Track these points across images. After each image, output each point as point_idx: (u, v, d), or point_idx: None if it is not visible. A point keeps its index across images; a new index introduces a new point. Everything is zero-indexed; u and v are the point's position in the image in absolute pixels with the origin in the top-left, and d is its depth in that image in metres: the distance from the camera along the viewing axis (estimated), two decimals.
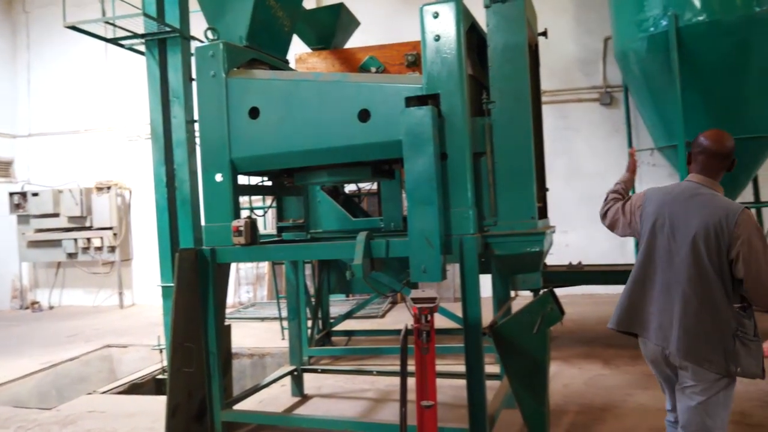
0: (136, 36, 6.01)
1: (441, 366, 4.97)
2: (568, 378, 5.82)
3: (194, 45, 5.08)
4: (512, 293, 5.00)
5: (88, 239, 12.06)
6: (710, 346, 2.67)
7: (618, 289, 10.33)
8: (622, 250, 10.56)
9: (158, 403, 5.57)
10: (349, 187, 6.83)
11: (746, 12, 7.60)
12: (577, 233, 10.68)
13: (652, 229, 2.88)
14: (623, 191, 3.33)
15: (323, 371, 6.08)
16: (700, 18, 7.77)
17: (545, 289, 3.99)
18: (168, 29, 5.84)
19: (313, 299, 7.12)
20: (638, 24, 8.40)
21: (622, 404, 5.03)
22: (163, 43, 5.96)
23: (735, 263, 2.65)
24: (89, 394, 6.39)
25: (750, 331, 2.70)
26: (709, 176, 2.85)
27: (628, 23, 8.68)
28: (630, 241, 10.44)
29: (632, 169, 3.56)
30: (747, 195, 9.13)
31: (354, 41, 6.14)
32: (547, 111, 9.74)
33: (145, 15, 5.68)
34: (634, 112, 10.11)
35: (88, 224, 12.12)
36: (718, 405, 2.73)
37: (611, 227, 3.23)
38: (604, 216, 3.27)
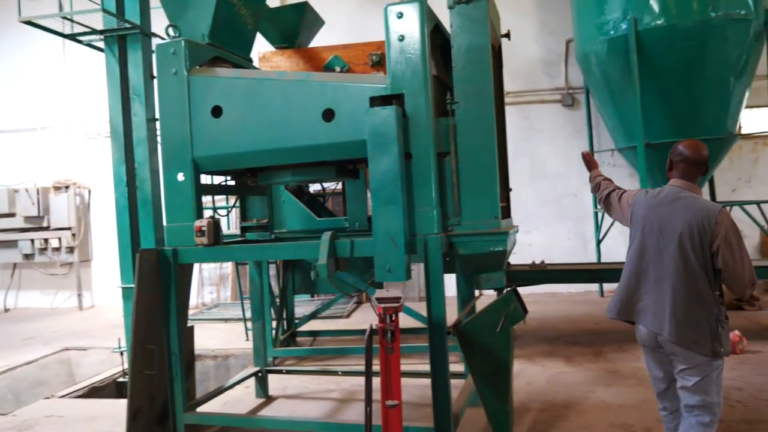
0: (94, 32, 5.89)
1: (406, 365, 4.98)
2: (531, 376, 5.90)
3: (155, 42, 5.00)
4: (476, 292, 5.04)
5: (46, 240, 11.78)
6: (697, 331, 3.01)
7: (580, 288, 10.55)
8: (584, 250, 10.75)
9: (119, 407, 5.46)
10: (314, 187, 6.81)
11: (703, 17, 7.82)
12: (540, 233, 10.83)
13: (643, 230, 3.23)
14: (609, 180, 3.81)
15: (288, 372, 6.04)
16: (659, 22, 7.96)
17: (509, 288, 4.04)
18: (128, 26, 5.72)
19: (277, 300, 7.08)
20: (599, 27, 8.57)
21: (584, 401, 5.12)
22: (123, 39, 5.85)
23: (715, 256, 3.00)
24: (47, 398, 6.24)
25: (724, 315, 3.08)
26: (689, 180, 3.20)
27: (589, 26, 8.84)
28: (592, 241, 10.65)
29: (594, 164, 3.96)
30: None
31: (318, 40, 6.12)
32: (510, 112, 9.84)
33: (104, 11, 5.56)
34: (595, 113, 10.31)
35: (45, 224, 11.83)
36: (711, 382, 3.06)
37: (607, 210, 3.67)
38: (606, 198, 3.66)
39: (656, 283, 3.14)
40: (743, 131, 9.82)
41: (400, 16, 3.72)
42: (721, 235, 2.96)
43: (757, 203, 8.91)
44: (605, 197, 3.68)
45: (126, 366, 6.52)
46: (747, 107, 9.09)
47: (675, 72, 8.12)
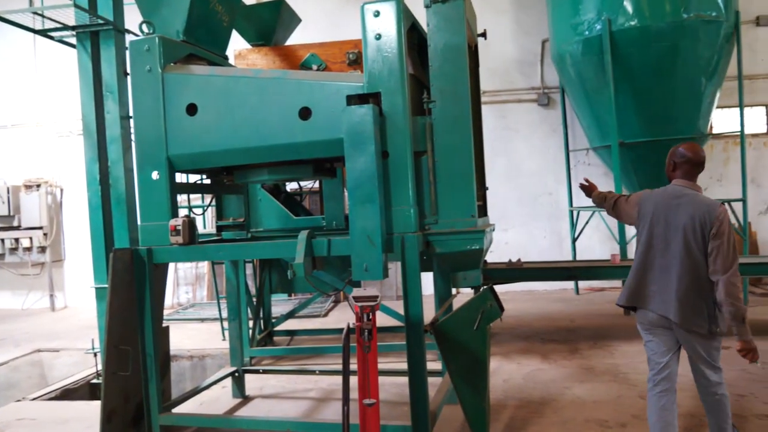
0: (66, 28, 5.78)
1: (383, 364, 5.00)
2: (507, 373, 5.94)
3: (129, 39, 4.92)
4: (453, 290, 5.06)
5: (16, 239, 11.58)
6: (697, 314, 3.39)
7: (555, 286, 10.67)
8: (560, 248, 10.86)
9: (93, 409, 5.40)
10: (291, 186, 6.78)
11: (675, 18, 7.94)
12: (516, 231, 10.92)
13: (650, 224, 3.56)
14: (610, 191, 4.17)
15: (265, 372, 6.01)
16: (632, 23, 8.06)
17: (485, 287, 4.07)
18: (100, 21, 5.63)
19: (254, 299, 7.04)
20: (574, 27, 8.66)
21: (560, 397, 5.18)
22: (95, 35, 5.75)
23: (713, 251, 3.36)
24: (18, 401, 6.12)
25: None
26: (691, 180, 3.56)
27: (564, 26, 8.93)
28: (567, 239, 10.76)
29: (593, 186, 4.23)
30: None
31: (295, 38, 6.09)
32: (486, 111, 9.94)
33: (76, 6, 5.45)
34: (571, 113, 10.41)
35: (15, 224, 11.63)
36: (712, 347, 3.46)
37: (617, 215, 3.96)
38: (614, 206, 3.93)
39: (662, 271, 3.49)
40: (714, 131, 10.02)
41: (376, 14, 3.72)
42: (716, 225, 3.33)
43: (728, 201, 9.08)
44: (613, 205, 3.93)
45: (100, 367, 6.43)
46: (718, 107, 9.27)
47: (648, 72, 8.24)
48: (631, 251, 8.30)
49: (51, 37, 6.02)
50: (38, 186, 11.70)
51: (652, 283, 3.55)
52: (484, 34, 4.53)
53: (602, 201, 4.06)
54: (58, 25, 5.76)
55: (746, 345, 3.39)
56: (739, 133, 8.94)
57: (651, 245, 3.55)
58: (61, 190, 12.04)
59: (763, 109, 10.66)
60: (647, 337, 3.64)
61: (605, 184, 10.61)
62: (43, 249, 11.68)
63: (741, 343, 3.40)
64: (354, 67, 5.09)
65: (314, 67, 5.19)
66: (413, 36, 4.15)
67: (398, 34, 3.70)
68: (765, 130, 10.68)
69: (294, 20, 6.05)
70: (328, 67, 5.22)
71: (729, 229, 3.37)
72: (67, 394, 6.60)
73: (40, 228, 11.60)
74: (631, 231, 8.14)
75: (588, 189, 4.22)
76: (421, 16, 3.95)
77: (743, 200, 8.86)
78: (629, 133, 8.49)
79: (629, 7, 8.07)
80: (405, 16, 3.79)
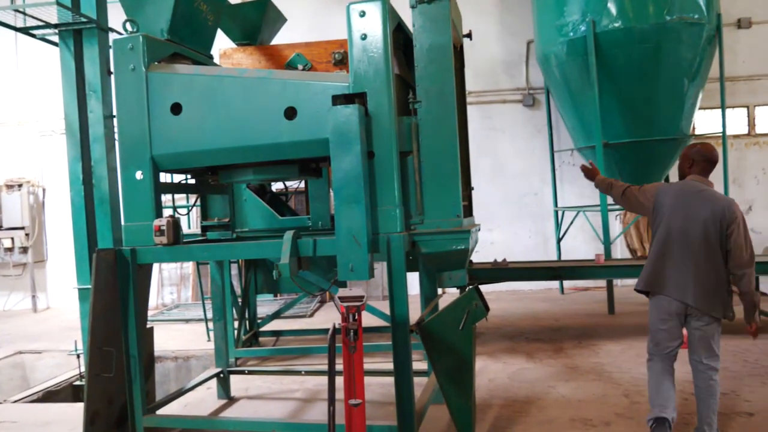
0: (49, 26, 5.71)
1: (369, 364, 4.99)
2: (493, 373, 5.97)
3: (112, 37, 4.87)
4: (439, 290, 5.07)
5: None
6: (715, 299, 3.76)
7: (541, 285, 10.72)
8: (545, 248, 10.93)
9: (76, 411, 5.34)
10: (276, 186, 6.76)
11: (658, 20, 8.02)
12: (501, 231, 10.96)
13: (670, 215, 3.84)
14: (616, 180, 4.36)
15: (250, 372, 5.98)
16: (616, 24, 8.13)
17: (471, 286, 4.08)
18: (84, 20, 5.57)
19: (239, 299, 7.01)
20: (558, 29, 8.71)
21: (545, 396, 5.20)
22: (78, 34, 5.69)
23: (729, 237, 3.72)
24: (0, 403, 6.06)
25: (730, 287, 3.83)
26: (705, 176, 3.95)
27: (549, 28, 8.98)
28: (552, 239, 10.83)
29: (596, 170, 4.42)
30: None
31: (280, 38, 6.07)
32: (472, 111, 9.95)
33: (59, 4, 5.39)
34: (556, 113, 10.47)
35: None
36: (716, 333, 3.84)
37: (627, 204, 4.17)
38: (623, 194, 4.15)
39: (681, 258, 3.79)
40: (697, 132, 10.13)
41: (362, 14, 3.72)
42: (735, 221, 3.70)
43: None
44: (622, 193, 4.14)
45: (83, 369, 6.36)
46: (700, 109, 9.37)
47: (632, 74, 8.31)
48: (615, 251, 8.38)
49: (33, 35, 5.95)
50: (20, 186, 11.56)
51: (670, 270, 3.82)
52: (469, 35, 4.54)
53: (608, 188, 4.24)
54: (41, 23, 5.69)
55: (757, 326, 3.90)
56: (721, 134, 9.05)
57: (670, 234, 3.83)
58: (44, 190, 11.91)
59: (744, 110, 10.80)
60: (662, 326, 3.91)
61: (589, 184, 10.67)
62: (25, 249, 11.54)
63: (755, 325, 3.89)
64: (340, 67, 5.08)
65: (300, 66, 5.17)
66: (399, 36, 4.16)
67: (384, 34, 3.70)
68: (746, 132, 10.83)
69: (279, 20, 6.03)
70: (313, 66, 5.21)
71: (745, 225, 3.76)
72: (50, 396, 6.53)
73: (22, 228, 11.46)
74: (615, 231, 8.21)
75: (591, 173, 4.37)
76: (407, 16, 3.95)
77: None
78: (613, 134, 8.56)
79: (613, 9, 8.13)
80: (391, 16, 3.78)
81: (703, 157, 3.93)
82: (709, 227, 3.72)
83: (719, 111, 9.11)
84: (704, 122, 10.68)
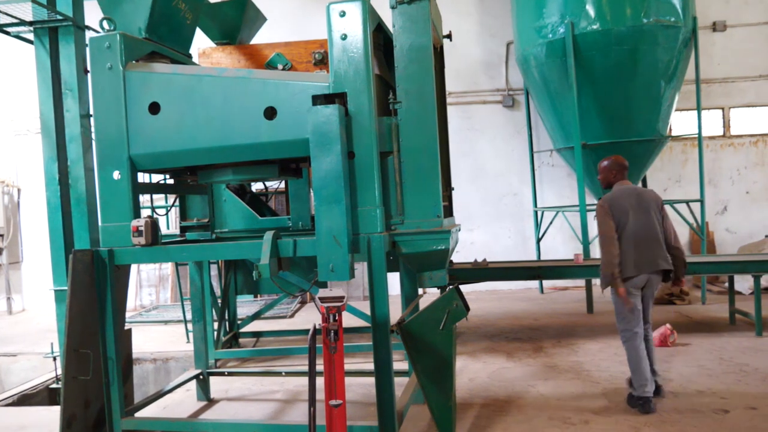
0: (23, 23, 5.62)
1: (350, 365, 4.99)
2: (473, 372, 5.99)
3: (89, 35, 4.81)
4: (419, 290, 5.09)
5: None
6: (668, 264, 4.75)
7: (520, 285, 10.78)
8: (524, 248, 11.00)
9: (52, 414, 5.27)
10: (256, 186, 6.72)
11: (635, 23, 8.12)
12: (481, 231, 11.02)
13: (627, 215, 4.70)
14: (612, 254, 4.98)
15: (230, 374, 5.95)
16: (594, 27, 8.22)
17: (451, 286, 4.09)
18: (59, 17, 5.50)
19: (219, 300, 6.96)
20: (538, 30, 8.78)
21: (525, 395, 5.24)
22: (54, 32, 5.61)
23: (664, 219, 4.83)
24: None
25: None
26: (626, 179, 4.96)
27: (528, 29, 9.05)
28: (531, 239, 10.91)
29: (625, 299, 4.85)
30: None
31: (260, 37, 6.03)
32: (452, 112, 9.99)
33: (34, 1, 5.32)
34: (535, 114, 10.55)
35: None
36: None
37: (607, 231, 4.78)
38: (604, 229, 4.79)
39: (644, 243, 4.67)
40: (673, 133, 10.27)
41: (342, 14, 3.71)
42: (663, 206, 4.87)
43: (687, 202, 9.33)
44: (618, 238, 4.73)
45: (59, 372, 6.27)
46: (677, 110, 9.51)
47: (609, 75, 8.41)
48: (594, 251, 8.47)
49: (7, 33, 5.85)
50: None
51: (647, 250, 4.67)
52: (449, 36, 4.56)
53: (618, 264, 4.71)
54: (15, 20, 5.59)
55: (685, 281, 4.88)
56: (696, 136, 9.18)
57: (631, 229, 4.68)
58: (19, 191, 11.73)
59: (719, 112, 10.98)
60: (633, 297, 4.70)
61: (569, 184, 10.81)
62: None
63: (684, 281, 5.07)
64: (320, 67, 5.06)
65: (280, 66, 5.15)
66: (379, 37, 4.16)
67: (364, 34, 3.70)
68: (722, 133, 11.01)
69: (259, 19, 6.00)
70: (293, 66, 5.19)
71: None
72: (25, 399, 6.43)
73: None
74: (593, 232, 8.27)
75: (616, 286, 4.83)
76: (387, 16, 3.95)
77: (701, 201, 9.10)
78: (592, 135, 8.64)
79: (591, 11, 8.22)
80: (371, 16, 3.79)
81: (622, 166, 4.95)
82: (655, 212, 4.77)
83: (695, 112, 9.23)
84: (680, 124, 10.84)
